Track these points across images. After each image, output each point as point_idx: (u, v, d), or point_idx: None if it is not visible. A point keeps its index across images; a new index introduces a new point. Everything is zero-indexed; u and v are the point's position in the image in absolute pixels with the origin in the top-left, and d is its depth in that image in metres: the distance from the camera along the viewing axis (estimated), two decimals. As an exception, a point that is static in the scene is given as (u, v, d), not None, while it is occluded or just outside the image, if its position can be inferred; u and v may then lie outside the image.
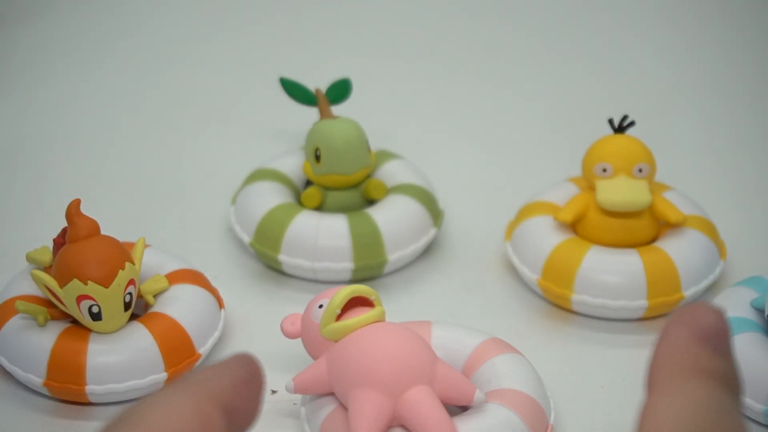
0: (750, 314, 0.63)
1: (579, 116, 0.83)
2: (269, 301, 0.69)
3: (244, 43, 0.90)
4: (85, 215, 0.62)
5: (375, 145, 0.74)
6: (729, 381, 0.37)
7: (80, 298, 0.61)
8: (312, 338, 0.59)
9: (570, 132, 0.81)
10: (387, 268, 0.69)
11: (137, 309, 0.64)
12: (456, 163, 0.79)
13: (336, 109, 0.74)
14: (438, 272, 0.71)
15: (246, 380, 0.39)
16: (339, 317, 0.59)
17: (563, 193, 0.70)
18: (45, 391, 0.62)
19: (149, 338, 0.62)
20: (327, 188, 0.70)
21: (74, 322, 0.62)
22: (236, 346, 0.66)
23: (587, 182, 0.68)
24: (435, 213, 0.71)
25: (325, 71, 0.78)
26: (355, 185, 0.71)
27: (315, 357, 0.59)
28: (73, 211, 0.61)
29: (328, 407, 0.58)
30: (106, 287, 0.60)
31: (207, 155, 0.79)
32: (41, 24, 0.91)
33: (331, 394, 0.59)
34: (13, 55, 0.87)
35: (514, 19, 0.93)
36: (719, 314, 0.37)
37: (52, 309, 0.62)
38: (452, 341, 0.62)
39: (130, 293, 0.61)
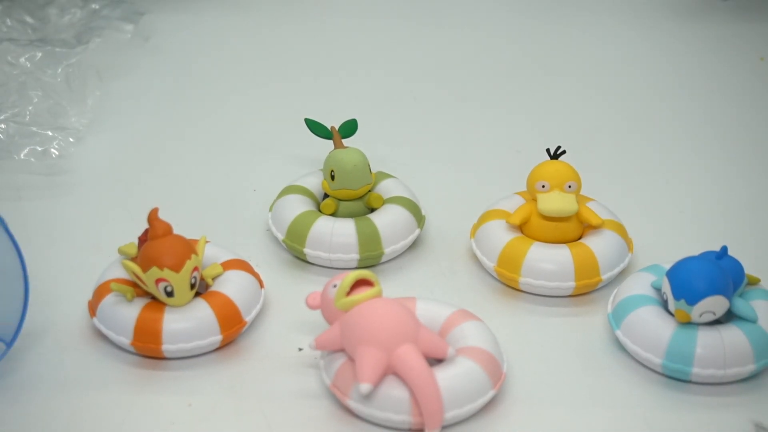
0: (651, 292, 0.63)
1: (525, 146, 0.83)
2: (297, 282, 0.69)
3: (278, 94, 0.90)
4: (161, 219, 0.62)
5: (375, 167, 0.74)
6: None
7: (158, 281, 0.61)
8: (328, 309, 0.60)
9: (518, 158, 0.81)
10: (383, 258, 0.69)
11: (200, 288, 0.64)
12: (434, 181, 0.79)
13: (346, 142, 0.74)
14: (421, 261, 0.71)
15: None
16: (348, 294, 0.59)
17: (513, 203, 0.70)
18: (131, 350, 0.62)
19: (209, 310, 0.62)
20: (339, 200, 0.70)
21: (153, 298, 0.63)
22: (273, 316, 0.66)
23: (531, 195, 0.69)
24: (419, 218, 0.71)
25: (338, 114, 0.78)
26: (360, 197, 0.71)
27: (330, 323, 0.60)
28: (152, 216, 0.62)
29: (340, 360, 0.59)
30: (177, 272, 0.61)
31: (252, 175, 0.80)
32: (130, 79, 0.91)
33: (343, 350, 0.59)
34: (110, 102, 0.87)
35: (479, 74, 0.93)
36: None
37: (137, 288, 0.63)
38: (431, 312, 0.62)
39: (194, 277, 0.62)
